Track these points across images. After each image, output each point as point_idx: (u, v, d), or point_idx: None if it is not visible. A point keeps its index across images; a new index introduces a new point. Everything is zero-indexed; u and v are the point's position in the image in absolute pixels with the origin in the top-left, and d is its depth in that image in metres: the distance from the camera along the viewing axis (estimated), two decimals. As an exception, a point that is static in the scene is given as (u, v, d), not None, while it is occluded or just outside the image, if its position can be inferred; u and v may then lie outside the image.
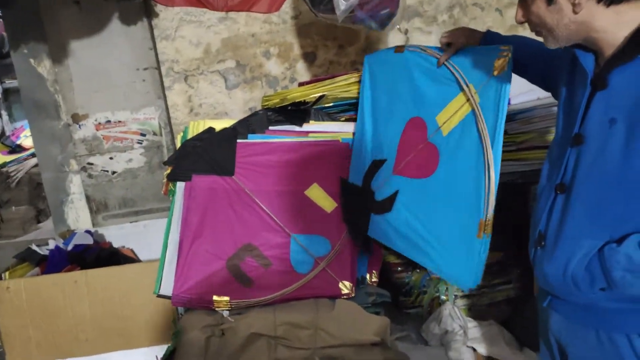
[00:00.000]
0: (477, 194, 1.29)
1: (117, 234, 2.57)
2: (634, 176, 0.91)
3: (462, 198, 1.34)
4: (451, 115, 1.39)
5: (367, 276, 1.74)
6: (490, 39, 1.43)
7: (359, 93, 2.01)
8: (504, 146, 1.88)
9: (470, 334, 1.93)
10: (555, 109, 1.94)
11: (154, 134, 2.59)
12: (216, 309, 1.57)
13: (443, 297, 2.15)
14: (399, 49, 1.67)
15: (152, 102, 2.59)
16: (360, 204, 1.67)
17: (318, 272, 1.62)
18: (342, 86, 2.04)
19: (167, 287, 1.60)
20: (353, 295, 1.61)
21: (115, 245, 2.55)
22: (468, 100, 1.33)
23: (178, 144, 1.90)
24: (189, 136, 1.88)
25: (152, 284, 1.85)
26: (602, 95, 0.96)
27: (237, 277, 1.62)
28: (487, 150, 1.23)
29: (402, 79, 1.61)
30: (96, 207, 2.61)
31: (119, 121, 2.57)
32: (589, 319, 1.06)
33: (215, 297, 1.56)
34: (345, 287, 1.61)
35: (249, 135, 1.89)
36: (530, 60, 1.33)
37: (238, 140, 1.81)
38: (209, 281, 1.60)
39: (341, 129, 1.93)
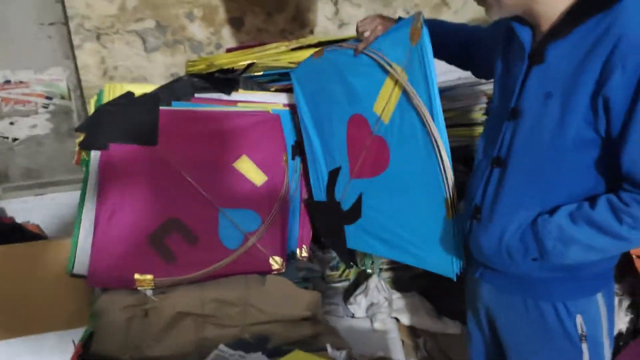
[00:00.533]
0: (434, 172, 1.23)
1: (20, 208, 2.33)
2: (566, 148, 0.94)
3: (421, 182, 1.29)
4: (386, 101, 1.35)
5: (297, 251, 1.72)
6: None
7: (290, 62, 1.95)
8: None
9: (394, 305, 1.99)
10: (479, 87, 2.03)
11: (62, 97, 2.35)
12: (138, 288, 1.47)
13: (369, 271, 2.20)
14: (316, 54, 1.62)
15: (60, 62, 2.33)
16: (331, 219, 1.63)
17: (248, 248, 1.57)
18: (273, 55, 1.95)
19: (82, 265, 1.47)
20: (284, 270, 1.58)
21: (19, 220, 2.31)
22: (396, 81, 1.30)
23: (91, 109, 1.73)
24: (105, 101, 1.72)
25: (62, 263, 1.68)
26: (539, 69, 0.98)
27: (161, 253, 1.52)
28: (429, 125, 1.20)
29: (330, 82, 1.55)
30: (-6, 177, 2.34)
31: (21, 82, 2.29)
32: (518, 289, 1.10)
33: (137, 276, 1.46)
34: (276, 262, 1.58)
35: (173, 103, 1.76)
36: (449, 40, 1.35)
37: (161, 108, 1.67)
38: (129, 259, 1.48)
39: (271, 100, 1.86)
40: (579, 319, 1.04)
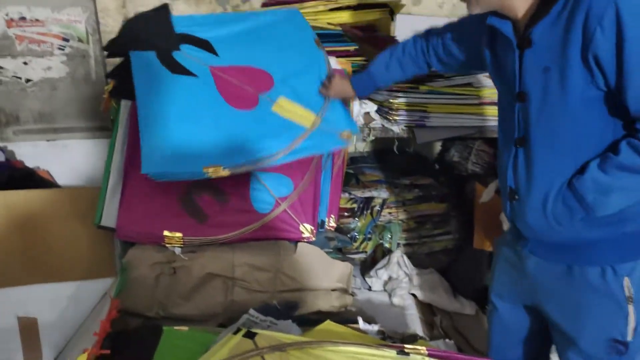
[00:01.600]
0: None
1: (30, 153, 2.24)
2: (576, 110, 1.01)
3: None
4: None
5: (326, 220, 1.68)
6: (358, 85, 1.57)
7: (328, 23, 1.86)
8: (466, 99, 1.90)
9: (413, 281, 1.98)
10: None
11: (80, 40, 2.23)
12: (167, 245, 1.42)
13: (387, 245, 2.18)
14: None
15: (79, 2, 2.20)
16: None
17: (279, 213, 1.52)
18: (310, 13, 1.87)
19: (110, 217, 1.41)
20: (314, 239, 1.54)
21: (28, 165, 2.22)
22: None
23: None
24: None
25: (80, 212, 1.63)
26: (530, 52, 1.05)
27: (191, 212, 1.46)
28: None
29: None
30: (6, 119, 2.22)
31: (37, 20, 2.16)
32: (566, 257, 1.13)
33: (166, 233, 1.41)
34: (306, 230, 1.54)
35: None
36: (402, 70, 1.53)
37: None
38: (158, 215, 1.43)
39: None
40: (626, 282, 1.06)
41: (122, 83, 1.53)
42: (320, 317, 1.39)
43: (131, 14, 2.33)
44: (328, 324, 1.31)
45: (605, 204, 1.02)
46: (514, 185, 1.15)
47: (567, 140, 1.04)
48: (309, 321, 1.36)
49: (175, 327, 1.20)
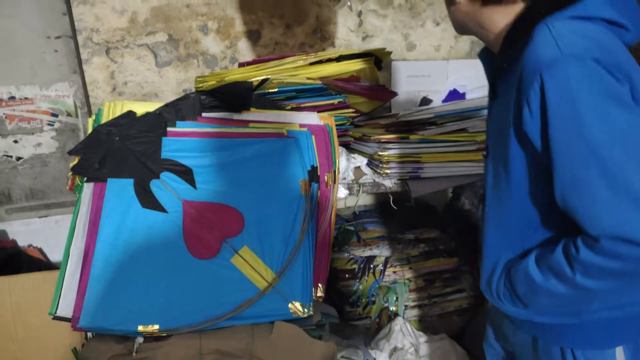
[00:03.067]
0: None
1: (22, 231, 2.21)
2: (518, 184, 0.89)
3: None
4: None
5: (312, 291, 1.52)
6: None
7: (307, 78, 1.77)
8: (462, 146, 1.75)
9: (421, 350, 1.77)
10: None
11: (68, 114, 2.23)
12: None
13: (392, 308, 1.99)
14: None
15: (66, 77, 2.21)
16: None
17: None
18: (289, 69, 1.79)
19: (67, 306, 1.31)
20: (306, 316, 1.38)
21: (21, 243, 2.19)
22: None
23: (89, 129, 1.59)
24: (103, 120, 1.57)
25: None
26: (496, 105, 0.96)
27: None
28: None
29: None
30: (-4, 198, 2.22)
31: (26, 98, 2.18)
32: (530, 328, 1.02)
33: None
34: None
35: (178, 123, 1.60)
36: None
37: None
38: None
39: (287, 119, 1.68)
40: None
41: (87, 160, 1.46)
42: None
43: (120, 85, 2.34)
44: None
45: (536, 303, 0.91)
46: (480, 241, 1.05)
47: (511, 216, 0.92)
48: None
49: None
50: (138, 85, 2.37)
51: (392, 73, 2.50)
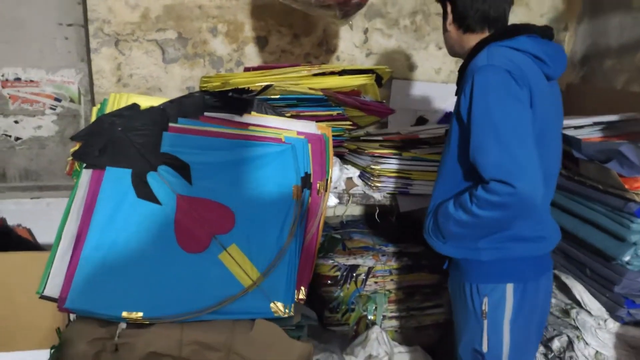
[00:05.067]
0: None
1: (13, 210, 2.23)
2: (451, 152, 1.29)
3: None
4: None
5: (295, 292, 1.56)
6: None
7: (310, 88, 1.83)
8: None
9: (395, 361, 1.82)
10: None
11: (71, 100, 2.27)
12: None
13: (371, 317, 2.03)
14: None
15: (73, 64, 2.25)
16: None
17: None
18: (293, 78, 1.85)
19: (55, 287, 1.34)
20: (287, 317, 1.43)
21: (11, 222, 2.21)
22: None
23: (93, 117, 1.63)
24: (108, 110, 1.62)
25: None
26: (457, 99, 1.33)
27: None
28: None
29: None
30: (-9, 176, 2.25)
31: (31, 80, 2.21)
32: (456, 273, 1.39)
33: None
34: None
35: (179, 120, 1.65)
36: None
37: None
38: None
39: (286, 126, 1.74)
40: (484, 299, 1.29)
41: (88, 147, 1.51)
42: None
43: (125, 77, 2.38)
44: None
45: (447, 228, 1.27)
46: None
47: (448, 173, 1.32)
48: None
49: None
50: (143, 79, 2.41)
51: (392, 90, 2.57)
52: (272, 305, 1.42)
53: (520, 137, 1.12)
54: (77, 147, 1.52)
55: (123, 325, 1.32)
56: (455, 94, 1.34)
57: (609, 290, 1.46)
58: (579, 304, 1.52)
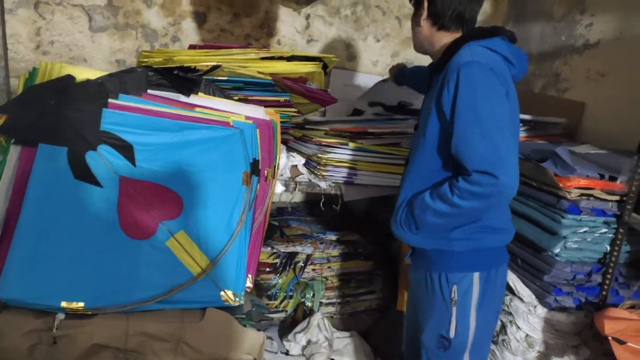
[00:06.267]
0: None
1: None
2: (430, 145, 1.32)
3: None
4: None
5: (245, 280, 1.54)
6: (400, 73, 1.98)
7: (258, 72, 1.79)
8: (394, 159, 1.88)
9: (334, 345, 1.87)
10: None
11: (-19, 65, 2.01)
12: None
13: (308, 304, 2.06)
14: None
15: (-16, 25, 2.00)
16: None
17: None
18: (240, 60, 1.79)
19: (-19, 275, 1.20)
20: (237, 305, 1.40)
21: None
22: None
23: (20, 88, 1.47)
24: (38, 81, 1.46)
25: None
26: (428, 94, 1.40)
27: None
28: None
29: None
30: None
31: None
32: (422, 265, 1.42)
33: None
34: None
35: (121, 96, 1.54)
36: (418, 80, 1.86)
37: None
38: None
39: (233, 109, 1.68)
40: (454, 288, 1.35)
41: (16, 121, 1.35)
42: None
43: (45, 43, 2.16)
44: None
45: (423, 219, 1.30)
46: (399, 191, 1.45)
47: (421, 165, 1.35)
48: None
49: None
50: (66, 47, 2.21)
51: (331, 79, 2.59)
52: (222, 293, 1.39)
53: (502, 132, 1.18)
54: (2, 121, 1.36)
55: (61, 315, 1.22)
56: (427, 89, 1.38)
57: (539, 279, 1.61)
58: (512, 291, 1.66)
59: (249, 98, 1.82)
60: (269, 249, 2.08)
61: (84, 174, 1.38)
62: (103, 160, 1.41)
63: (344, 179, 1.83)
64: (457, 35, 1.38)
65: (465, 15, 1.35)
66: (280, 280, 2.05)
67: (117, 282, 1.30)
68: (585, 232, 1.58)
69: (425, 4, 1.38)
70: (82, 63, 2.24)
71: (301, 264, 2.08)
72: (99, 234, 1.33)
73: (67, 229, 1.30)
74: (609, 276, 1.60)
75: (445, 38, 1.38)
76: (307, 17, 2.50)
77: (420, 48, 1.47)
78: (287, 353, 1.85)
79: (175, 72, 1.66)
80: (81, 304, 1.24)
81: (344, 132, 1.85)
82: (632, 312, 1.50)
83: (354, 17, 2.60)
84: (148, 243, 1.38)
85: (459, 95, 1.20)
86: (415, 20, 1.43)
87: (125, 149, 1.46)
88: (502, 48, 1.31)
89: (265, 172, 1.68)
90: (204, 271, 1.39)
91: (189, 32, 2.35)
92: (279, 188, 1.78)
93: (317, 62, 1.94)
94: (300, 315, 2.04)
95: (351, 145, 1.81)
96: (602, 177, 1.59)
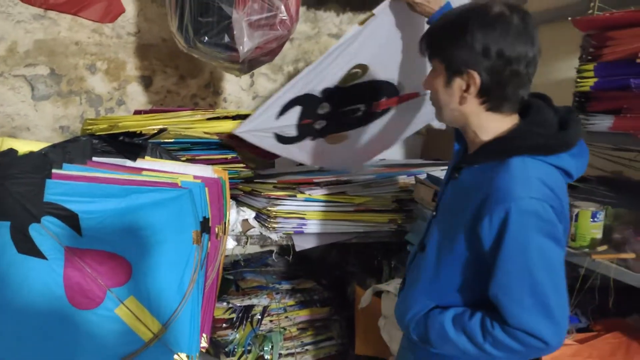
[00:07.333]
0: None
1: None
2: (454, 257, 1.09)
3: None
4: None
5: (199, 341, 1.53)
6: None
7: (205, 132, 1.85)
8: (341, 206, 1.95)
9: (295, 398, 1.86)
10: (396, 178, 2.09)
11: None
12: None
13: (267, 357, 2.06)
14: None
15: None
16: None
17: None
18: (187, 122, 1.84)
19: None
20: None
21: None
22: None
23: (-41, 165, 1.45)
24: (-21, 156, 1.46)
25: None
26: (455, 184, 1.15)
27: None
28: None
29: None
30: None
31: None
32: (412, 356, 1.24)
33: None
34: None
35: (64, 166, 1.55)
36: None
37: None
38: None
39: (181, 170, 1.72)
40: None
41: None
42: None
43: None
44: None
45: (441, 347, 1.12)
46: (405, 277, 1.29)
47: (443, 276, 1.12)
48: None
49: None
50: (8, 117, 2.20)
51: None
52: (175, 357, 1.39)
53: (556, 284, 0.99)
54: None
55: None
56: (453, 177, 1.14)
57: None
58: None
59: (197, 158, 1.87)
60: (225, 304, 2.07)
61: (28, 247, 1.37)
62: (47, 232, 1.41)
63: (295, 229, 1.88)
64: (511, 118, 1.06)
65: (524, 96, 1.05)
66: (237, 335, 2.04)
67: (67, 356, 1.28)
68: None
69: (477, 78, 1.01)
70: (26, 132, 2.23)
71: (258, 316, 2.08)
72: (45, 307, 1.32)
73: (10, 306, 1.28)
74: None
75: (495, 122, 1.06)
76: (252, 75, 2.60)
77: (451, 121, 1.12)
78: (248, 411, 1.83)
79: (121, 137, 1.69)
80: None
81: (291, 184, 1.92)
82: (567, 337, 1.58)
83: (296, 73, 2.73)
84: (96, 313, 1.37)
85: (507, 239, 0.97)
86: (449, 91, 1.06)
87: (71, 219, 1.46)
88: (568, 163, 1.04)
89: (216, 229, 1.71)
90: (155, 336, 1.39)
91: (135, 95, 2.39)
92: (230, 243, 1.81)
93: (262, 119, 2.03)
94: (261, 371, 2.03)
95: (299, 196, 1.87)
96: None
